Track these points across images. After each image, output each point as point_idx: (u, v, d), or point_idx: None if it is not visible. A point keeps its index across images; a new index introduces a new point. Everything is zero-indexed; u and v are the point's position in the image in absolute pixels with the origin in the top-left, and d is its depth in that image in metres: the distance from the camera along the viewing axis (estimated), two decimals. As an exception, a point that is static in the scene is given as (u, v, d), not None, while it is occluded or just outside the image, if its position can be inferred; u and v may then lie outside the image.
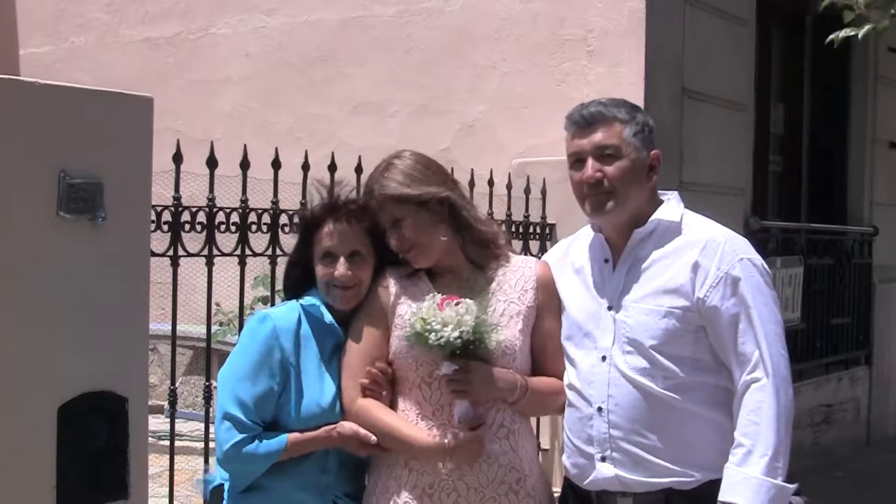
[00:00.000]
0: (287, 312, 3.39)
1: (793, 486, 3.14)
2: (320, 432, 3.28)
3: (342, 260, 3.33)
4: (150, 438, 4.02)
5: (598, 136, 3.30)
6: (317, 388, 3.32)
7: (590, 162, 3.30)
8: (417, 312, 3.19)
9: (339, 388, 3.34)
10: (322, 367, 3.35)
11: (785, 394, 3.18)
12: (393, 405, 3.35)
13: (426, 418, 3.28)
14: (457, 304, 3.17)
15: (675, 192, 3.46)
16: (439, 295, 3.25)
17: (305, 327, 3.36)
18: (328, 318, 3.36)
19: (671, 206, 3.38)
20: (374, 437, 3.26)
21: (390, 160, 3.43)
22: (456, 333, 3.12)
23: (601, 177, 3.28)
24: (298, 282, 3.46)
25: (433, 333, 3.12)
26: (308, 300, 3.39)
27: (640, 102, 3.50)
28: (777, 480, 3.11)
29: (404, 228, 3.33)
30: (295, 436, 3.27)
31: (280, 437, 3.26)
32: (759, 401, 3.15)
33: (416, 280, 3.41)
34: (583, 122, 3.33)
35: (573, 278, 3.46)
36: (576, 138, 3.35)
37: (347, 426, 3.28)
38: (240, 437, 3.25)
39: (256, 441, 3.25)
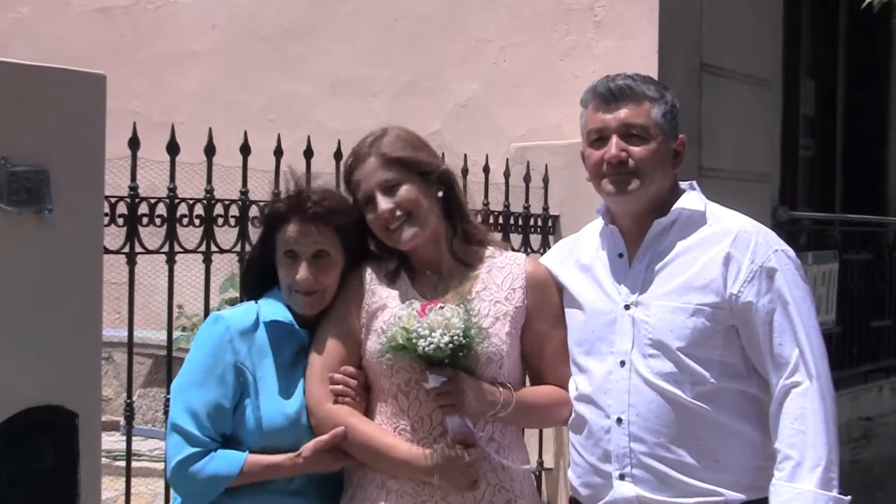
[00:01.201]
0: (242, 313, 3.39)
1: (847, 499, 3.15)
2: (283, 459, 3.25)
3: (304, 262, 3.33)
4: (103, 458, 4.02)
5: (625, 113, 3.33)
6: (279, 397, 3.32)
7: (614, 140, 3.32)
8: (396, 323, 3.18)
9: (304, 393, 3.34)
10: (284, 373, 3.34)
11: (830, 397, 3.20)
12: (367, 417, 3.35)
13: (404, 432, 3.28)
14: (440, 307, 3.17)
15: (694, 182, 3.48)
16: (417, 302, 3.25)
17: (263, 330, 3.36)
18: (289, 319, 3.36)
19: (693, 196, 3.40)
20: (340, 429, 3.24)
21: (384, 129, 3.44)
22: (446, 338, 3.11)
23: (626, 157, 3.30)
24: (259, 281, 3.46)
25: (422, 340, 3.11)
26: (267, 301, 3.40)
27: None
28: (833, 493, 3.12)
29: (401, 191, 3.32)
30: (254, 459, 3.25)
31: (236, 458, 3.25)
32: (802, 406, 3.17)
33: (394, 278, 3.41)
34: (609, 95, 3.34)
35: (580, 276, 3.46)
36: (599, 112, 3.36)
37: (311, 444, 3.26)
38: (188, 452, 3.24)
39: (208, 459, 3.24)
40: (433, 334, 3.11)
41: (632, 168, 3.31)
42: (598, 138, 3.36)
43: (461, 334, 3.13)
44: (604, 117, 3.35)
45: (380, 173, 3.33)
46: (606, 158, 3.32)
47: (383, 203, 3.32)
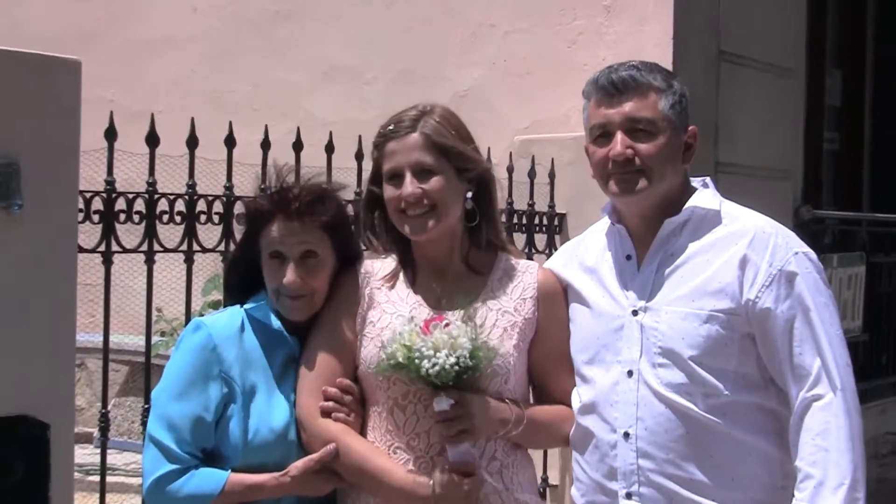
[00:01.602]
0: (227, 319, 3.39)
1: None
2: (268, 479, 3.24)
3: (292, 264, 3.32)
4: (76, 473, 4.02)
5: (630, 107, 3.31)
6: (267, 409, 3.31)
7: (619, 137, 3.31)
8: (397, 339, 3.15)
9: (293, 406, 3.33)
10: (273, 383, 3.34)
11: (855, 410, 3.20)
12: (360, 433, 3.33)
13: (399, 450, 3.28)
14: (446, 325, 3.15)
15: (708, 178, 3.47)
16: (418, 316, 3.24)
17: (250, 336, 3.36)
18: (277, 324, 3.36)
19: (707, 193, 3.40)
20: (332, 446, 3.22)
21: (432, 105, 3.39)
22: (452, 360, 3.08)
23: (632, 154, 3.29)
24: (242, 284, 3.45)
25: (425, 361, 3.08)
26: (253, 304, 3.39)
27: (667, 67, 3.50)
28: None
29: (433, 181, 3.29)
30: (236, 478, 3.24)
31: (217, 477, 3.25)
32: (825, 421, 3.16)
33: (393, 279, 3.40)
34: (611, 88, 3.33)
35: (585, 279, 3.46)
36: (602, 107, 3.35)
37: (300, 463, 3.25)
38: (166, 469, 3.25)
39: (187, 477, 3.24)
40: (437, 355, 3.08)
41: (638, 166, 3.30)
42: (601, 134, 3.35)
43: (468, 355, 3.11)
44: (607, 112, 3.34)
45: (418, 154, 3.30)
46: (611, 156, 3.31)
47: (410, 185, 3.28)
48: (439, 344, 3.10)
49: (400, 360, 3.12)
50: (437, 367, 3.08)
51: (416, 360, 3.10)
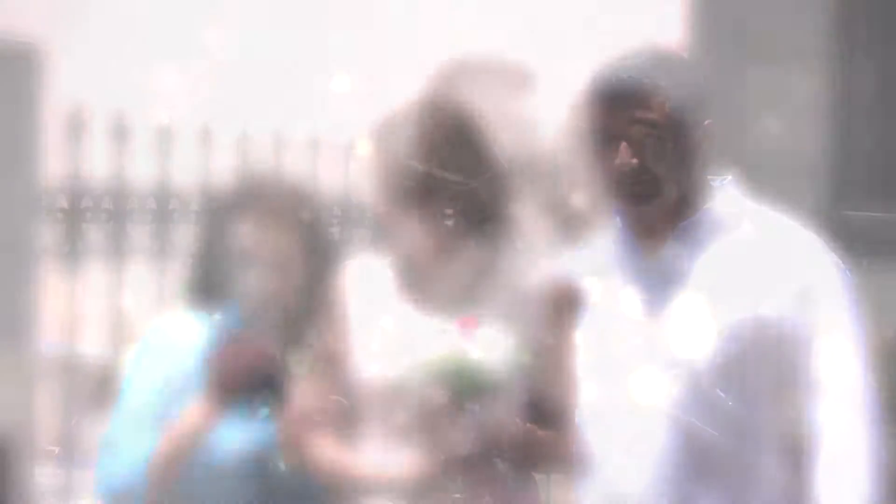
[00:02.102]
0: (188, 327, 3.38)
1: None
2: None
3: (264, 269, 3.31)
4: (37, 495, 4.02)
5: (633, 110, 3.29)
6: (236, 429, 3.31)
7: (622, 145, 3.29)
8: (435, 352, 3.11)
9: (271, 424, 3.34)
10: (242, 399, 3.35)
11: (878, 438, 3.20)
12: (353, 456, 3.34)
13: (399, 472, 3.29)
14: (487, 328, 3.13)
15: (730, 177, 3.46)
16: (439, 320, 3.25)
17: (216, 347, 3.36)
18: (246, 334, 3.36)
19: (727, 194, 3.39)
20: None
21: (429, 109, 3.36)
22: (500, 366, 3.06)
23: (637, 163, 3.28)
24: (208, 287, 3.44)
25: (473, 364, 3.04)
26: (221, 312, 3.39)
27: (682, 55, 3.48)
28: None
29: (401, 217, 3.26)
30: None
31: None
32: (843, 449, 3.18)
33: (386, 280, 3.40)
34: (611, 89, 3.31)
35: (594, 282, 3.46)
36: (602, 110, 3.33)
37: None
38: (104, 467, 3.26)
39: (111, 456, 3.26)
40: (487, 360, 3.09)
41: (645, 176, 3.29)
42: (603, 140, 3.33)
43: (515, 362, 3.13)
44: (608, 117, 3.32)
45: (387, 176, 3.23)
46: (616, 167, 3.30)
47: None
48: (487, 348, 3.11)
49: (441, 366, 3.10)
50: (484, 374, 3.06)
51: (462, 364, 3.06)
